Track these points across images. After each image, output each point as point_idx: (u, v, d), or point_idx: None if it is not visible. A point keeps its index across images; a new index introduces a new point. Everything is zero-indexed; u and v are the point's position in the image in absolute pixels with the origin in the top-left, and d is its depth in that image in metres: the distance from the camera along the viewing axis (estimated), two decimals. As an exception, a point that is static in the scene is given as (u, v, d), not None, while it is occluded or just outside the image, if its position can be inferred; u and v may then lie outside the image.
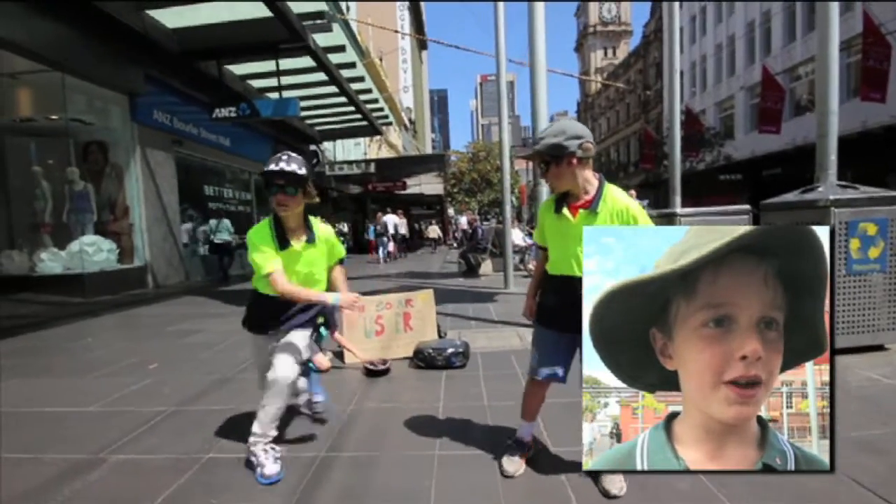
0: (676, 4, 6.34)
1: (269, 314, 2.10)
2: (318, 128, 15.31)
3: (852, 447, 2.02)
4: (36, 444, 2.37)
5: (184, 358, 3.99)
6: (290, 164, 1.94)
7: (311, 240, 2.05)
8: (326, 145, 20.19)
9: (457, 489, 1.88)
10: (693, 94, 28.80)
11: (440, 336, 4.01)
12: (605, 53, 55.87)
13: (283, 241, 2.01)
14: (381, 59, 28.30)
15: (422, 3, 46.68)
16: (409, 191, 23.74)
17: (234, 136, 11.60)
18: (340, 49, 9.89)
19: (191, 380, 3.34)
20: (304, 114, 12.01)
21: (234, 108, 8.78)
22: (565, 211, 1.77)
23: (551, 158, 1.75)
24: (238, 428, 2.49)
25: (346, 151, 24.02)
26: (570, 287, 1.74)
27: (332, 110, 13.13)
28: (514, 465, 1.92)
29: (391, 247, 15.08)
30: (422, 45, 51.67)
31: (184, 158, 10.10)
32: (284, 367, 1.99)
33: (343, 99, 11.78)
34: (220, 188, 12.27)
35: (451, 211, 41.84)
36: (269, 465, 1.97)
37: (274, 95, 10.29)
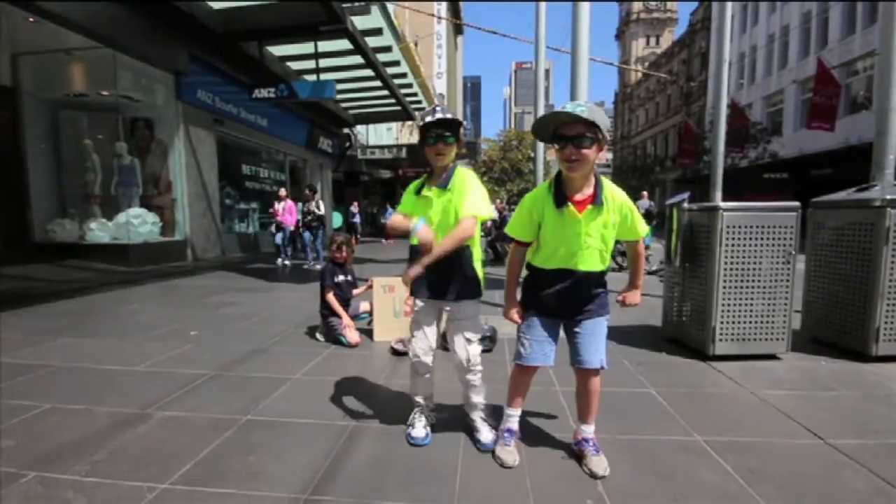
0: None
1: (430, 274, 1.91)
2: (352, 111, 15.45)
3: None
4: (88, 397, 2.54)
5: (221, 327, 4.16)
6: (446, 112, 1.93)
7: (443, 185, 1.95)
8: (359, 129, 20.37)
9: (483, 469, 1.91)
10: (740, 86, 27.46)
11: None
12: (648, 42, 53.76)
13: (419, 189, 2.01)
14: (416, 44, 28.13)
15: (459, -12, 45.98)
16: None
17: (271, 117, 11.85)
18: (377, 32, 9.90)
19: (228, 348, 3.49)
20: (339, 97, 12.14)
21: (273, 88, 8.94)
22: (571, 207, 1.74)
23: (592, 138, 1.67)
24: (274, 395, 2.60)
25: (377, 136, 24.16)
26: (571, 279, 1.81)
27: (366, 94, 13.19)
28: (512, 454, 1.94)
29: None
30: (458, 29, 51.01)
31: (223, 137, 10.40)
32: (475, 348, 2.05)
33: (378, 83, 11.81)
34: (257, 168, 12.61)
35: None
36: (485, 431, 2.08)
37: (311, 77, 10.41)
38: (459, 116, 1.96)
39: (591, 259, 1.79)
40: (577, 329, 1.88)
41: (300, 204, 9.36)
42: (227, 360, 3.19)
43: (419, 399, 2.20)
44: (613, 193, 1.78)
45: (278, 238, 9.41)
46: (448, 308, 2.02)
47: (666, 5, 52.76)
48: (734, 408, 2.48)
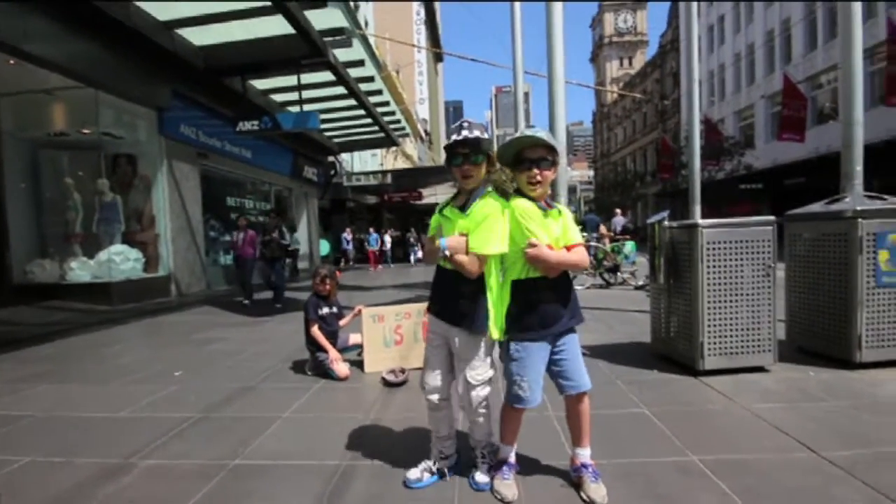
0: (695, 12, 6.33)
1: (437, 288, 1.95)
2: (336, 139, 15.58)
3: (886, 462, 1.98)
4: (68, 448, 2.44)
5: (207, 366, 4.07)
6: (473, 130, 1.81)
7: (462, 208, 1.88)
8: (344, 156, 20.52)
9: (481, 502, 1.88)
10: (711, 103, 28.47)
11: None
12: (621, 63, 55.71)
13: (443, 208, 1.97)
14: (398, 72, 28.71)
15: (437, 18, 47.37)
16: (424, 201, 23.87)
17: (255, 149, 11.89)
18: (359, 63, 10.09)
19: (215, 387, 3.41)
20: (322, 126, 12.25)
21: (257, 121, 8.99)
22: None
23: (552, 161, 1.84)
24: (263, 435, 2.53)
25: (363, 162, 24.34)
26: (550, 280, 1.83)
27: (350, 122, 13.35)
28: (511, 488, 1.90)
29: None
30: (437, 57, 52.29)
31: (207, 170, 10.36)
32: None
33: (361, 111, 11.99)
34: (242, 199, 12.56)
35: (466, 221, 41.82)
36: (480, 474, 2.00)
37: (295, 109, 10.52)
38: (479, 132, 1.80)
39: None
40: (560, 349, 1.86)
41: (262, 234, 8.12)
42: (214, 401, 3.11)
43: (440, 445, 2.05)
44: (562, 208, 1.94)
45: (245, 276, 8.15)
46: (455, 339, 1.89)
47: (636, 29, 54.97)
48: (727, 424, 2.49)
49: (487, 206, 1.84)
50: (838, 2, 4.05)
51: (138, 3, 7.05)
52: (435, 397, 1.97)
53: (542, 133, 1.80)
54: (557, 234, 1.84)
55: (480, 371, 1.90)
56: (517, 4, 7.52)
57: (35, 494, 2.02)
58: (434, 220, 2.01)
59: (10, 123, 7.97)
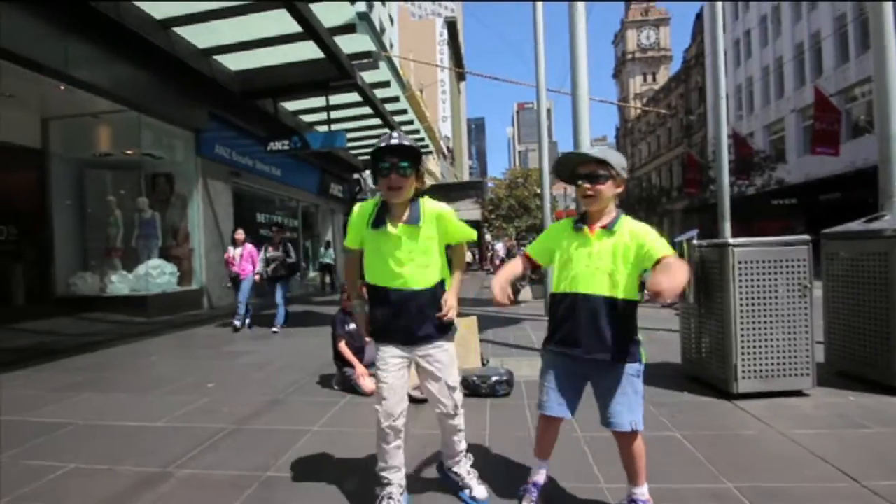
0: (720, 28, 6.30)
1: (392, 311, 1.83)
2: (361, 157, 15.94)
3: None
4: (110, 456, 2.55)
5: (238, 378, 4.18)
6: (402, 139, 1.76)
7: (413, 220, 1.79)
8: (368, 173, 20.91)
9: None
10: (739, 117, 27.90)
11: (483, 364, 4.01)
12: (645, 79, 55.35)
13: (378, 221, 1.80)
14: (421, 92, 29.30)
15: (460, 38, 48.26)
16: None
17: (284, 167, 12.26)
18: (385, 84, 10.37)
19: (246, 399, 3.49)
20: (348, 145, 12.57)
21: (287, 141, 9.31)
22: (585, 229, 1.79)
23: (605, 175, 1.76)
24: (293, 448, 2.58)
25: (386, 179, 24.70)
26: (577, 302, 1.75)
27: (375, 141, 13.57)
28: None
29: None
30: (460, 76, 53.15)
31: (239, 188, 10.72)
32: (460, 394, 1.96)
33: (386, 130, 12.27)
34: (271, 215, 12.90)
35: (488, 237, 41.93)
36: (476, 486, 1.99)
37: (322, 128, 10.85)
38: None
39: (600, 282, 1.72)
40: (598, 380, 1.80)
41: (263, 250, 7.10)
42: (246, 413, 3.19)
43: (390, 475, 1.87)
44: (630, 224, 1.77)
45: (241, 295, 7.04)
46: (423, 354, 1.86)
47: (660, 44, 54.67)
48: (764, 450, 2.41)
49: (439, 206, 1.86)
50: (869, 1, 3.96)
51: (179, 31, 7.48)
52: (402, 422, 1.85)
53: (595, 150, 1.80)
54: (601, 257, 1.73)
55: (455, 373, 1.95)
56: (540, 22, 7.65)
57: (80, 501, 2.11)
58: (356, 232, 1.85)
59: (59, 145, 8.49)
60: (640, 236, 1.73)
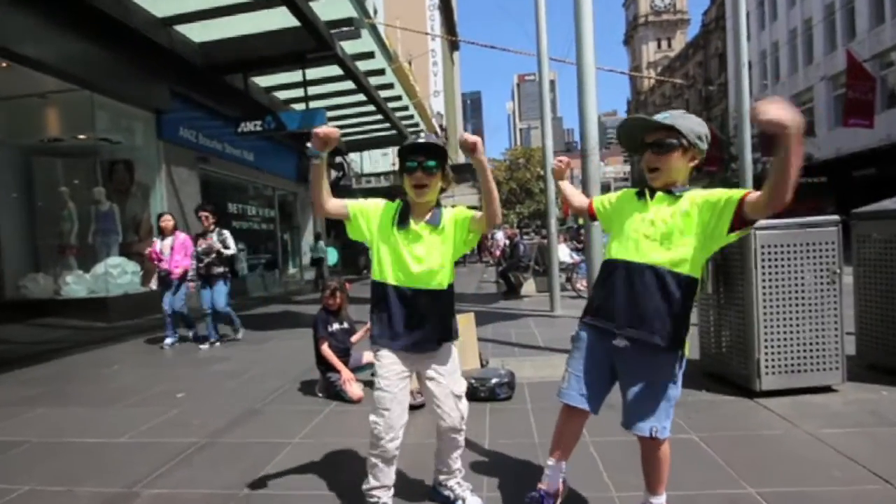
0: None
1: (395, 312, 1.90)
2: (344, 138, 15.83)
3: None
4: (70, 477, 2.55)
5: (210, 387, 4.18)
6: (430, 138, 1.90)
7: (434, 221, 1.92)
8: (353, 157, 20.79)
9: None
10: (764, 87, 27.91)
11: (482, 365, 4.03)
12: (659, 45, 55.18)
13: (402, 220, 1.91)
14: (410, 63, 29.04)
15: (453, 2, 47.82)
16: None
17: (258, 151, 12.17)
18: (369, 56, 10.28)
19: (219, 410, 3.50)
20: (330, 125, 12.46)
21: (260, 121, 9.23)
22: (647, 195, 1.77)
23: (675, 144, 1.69)
24: (272, 462, 2.60)
25: (373, 163, 24.62)
26: (625, 271, 1.71)
27: (359, 119, 13.57)
28: None
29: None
30: (453, 46, 52.72)
31: (207, 175, 10.63)
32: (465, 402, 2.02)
33: (371, 107, 12.18)
34: (244, 205, 12.84)
35: (487, 224, 41.87)
36: (470, 497, 2.04)
37: (300, 106, 10.76)
38: (437, 142, 1.89)
39: (649, 248, 1.67)
40: (625, 368, 1.73)
41: (202, 242, 6.05)
42: (219, 425, 3.19)
43: (380, 494, 1.90)
44: (697, 191, 1.73)
45: (165, 302, 6.09)
46: (427, 359, 1.93)
47: (675, 6, 54.41)
48: (789, 452, 2.44)
49: (458, 210, 1.97)
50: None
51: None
52: (400, 439, 1.90)
53: (665, 115, 1.75)
54: (656, 222, 1.69)
55: (461, 380, 2.01)
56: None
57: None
58: (383, 219, 1.94)
59: (2, 130, 8.37)
60: (708, 196, 1.66)
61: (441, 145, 1.90)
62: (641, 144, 1.78)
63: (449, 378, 1.95)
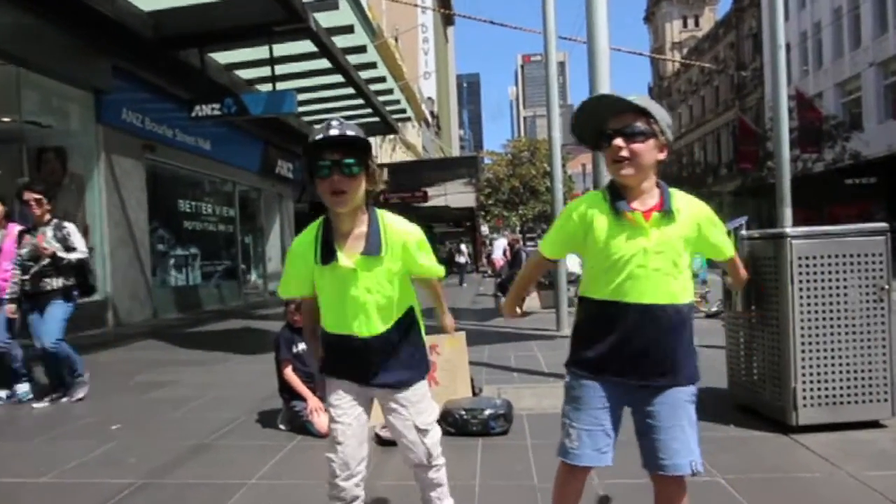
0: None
1: (357, 358, 1.87)
2: (318, 125, 15.81)
3: None
4: (-22, 523, 2.50)
5: (152, 417, 4.13)
6: (345, 128, 1.73)
7: (372, 249, 1.78)
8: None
9: None
10: (805, 73, 28.41)
11: (474, 393, 4.01)
12: (685, 24, 55.95)
13: (327, 252, 1.78)
14: (396, 40, 29.23)
15: (447, -31, 48.25)
16: (430, 203, 24.03)
17: (216, 139, 12.16)
18: (348, 30, 10.31)
19: (162, 445, 3.45)
20: (301, 109, 12.52)
21: (218, 104, 9.21)
22: (635, 214, 1.66)
23: (646, 132, 1.65)
24: (221, 508, 2.56)
25: (352, 154, 24.62)
26: (633, 317, 1.65)
27: (335, 104, 13.59)
28: None
29: None
30: (447, 20, 53.10)
31: (155, 166, 10.60)
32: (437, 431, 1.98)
33: (350, 90, 12.20)
34: (198, 202, 12.80)
35: (484, 228, 42.08)
36: None
37: (266, 88, 10.75)
38: (354, 132, 1.74)
39: (662, 287, 1.66)
40: (648, 409, 1.72)
41: (27, 242, 4.52)
42: (160, 463, 3.15)
43: None
44: (688, 202, 1.73)
45: None
46: (399, 394, 1.90)
47: (704, -21, 55.34)
48: (830, 498, 2.45)
49: (402, 231, 1.85)
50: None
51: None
52: (361, 476, 1.86)
53: (632, 96, 1.69)
54: (662, 252, 1.66)
55: (428, 409, 1.95)
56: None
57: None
58: (299, 274, 1.86)
59: (-88, 112, 8.28)
60: (704, 224, 1.72)
61: (361, 136, 1.74)
62: (603, 133, 1.70)
63: (413, 408, 1.89)
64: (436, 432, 1.96)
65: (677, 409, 1.70)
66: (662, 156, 1.70)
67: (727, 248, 1.82)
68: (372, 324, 1.81)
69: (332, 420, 1.87)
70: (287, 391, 3.70)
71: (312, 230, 1.85)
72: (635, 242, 1.66)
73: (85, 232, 8.96)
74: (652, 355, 1.67)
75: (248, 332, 8.83)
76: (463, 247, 23.33)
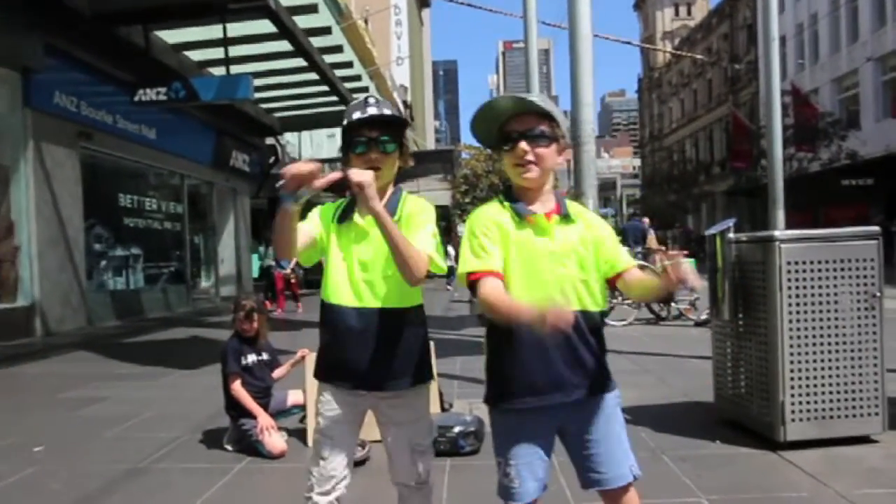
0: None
1: (351, 341, 1.86)
2: (278, 114, 15.71)
3: None
4: None
5: (81, 438, 4.03)
6: (383, 107, 1.85)
7: (389, 209, 1.84)
8: (289, 138, 20.62)
9: None
10: (801, 66, 29.24)
11: (443, 409, 4.02)
12: (677, 12, 57.14)
13: (346, 212, 1.90)
14: (366, 21, 29.13)
15: (423, -54, 48.37)
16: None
17: (162, 127, 11.95)
18: (311, 9, 10.25)
19: (91, 470, 3.37)
20: (259, 96, 12.38)
21: (165, 88, 9.07)
22: (539, 216, 1.72)
23: (550, 136, 1.72)
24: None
25: (315, 146, 24.49)
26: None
27: (297, 91, 13.49)
28: None
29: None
30: (423, 1, 53.18)
31: (92, 157, 10.37)
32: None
33: (314, 75, 12.11)
34: (142, 197, 12.57)
35: (461, 229, 42.14)
36: None
37: (219, 71, 10.60)
38: (391, 111, 1.87)
39: (573, 293, 1.71)
40: (582, 424, 1.77)
41: None
42: (88, 490, 3.07)
43: None
44: (580, 209, 1.85)
45: None
46: (384, 398, 1.88)
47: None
48: (816, 519, 2.50)
49: (423, 206, 1.92)
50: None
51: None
52: (340, 492, 1.87)
53: (534, 97, 1.77)
54: (567, 255, 1.73)
55: (426, 428, 1.96)
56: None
57: None
58: (324, 214, 1.94)
59: None
60: (599, 232, 1.78)
61: (398, 115, 1.89)
62: (504, 135, 1.76)
63: (413, 427, 1.90)
64: (431, 454, 1.98)
65: (611, 417, 1.77)
66: (562, 159, 1.80)
67: (622, 258, 1.79)
68: (376, 292, 1.83)
69: (318, 432, 1.89)
70: (235, 408, 3.63)
71: (336, 202, 1.97)
72: (542, 245, 1.71)
73: (9, 231, 8.73)
74: (578, 367, 1.70)
75: (195, 342, 8.67)
76: (451, 249, 23.22)
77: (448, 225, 31.10)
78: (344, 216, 1.89)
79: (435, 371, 4.03)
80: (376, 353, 1.83)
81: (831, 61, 26.99)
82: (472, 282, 1.70)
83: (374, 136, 1.82)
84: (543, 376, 1.71)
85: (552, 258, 1.69)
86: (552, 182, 1.81)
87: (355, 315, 1.82)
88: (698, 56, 36.35)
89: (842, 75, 26.27)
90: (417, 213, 1.89)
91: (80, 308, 9.67)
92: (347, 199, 1.94)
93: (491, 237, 1.71)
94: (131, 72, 9.66)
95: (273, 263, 13.54)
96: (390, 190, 1.92)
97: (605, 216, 2.00)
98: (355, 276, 1.84)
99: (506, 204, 1.76)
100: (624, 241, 10.99)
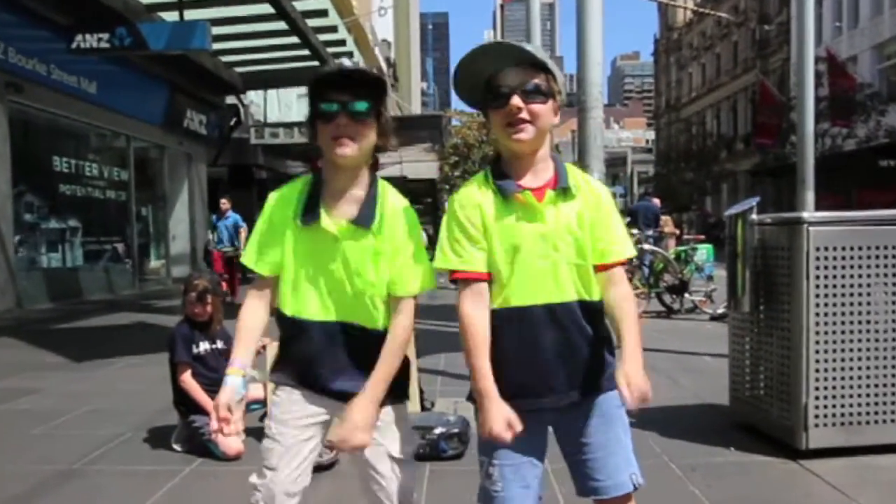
0: None
1: (316, 355, 1.82)
2: (240, 69, 15.52)
3: None
4: None
5: (6, 436, 4.02)
6: (359, 65, 1.83)
7: (363, 220, 1.78)
8: (253, 97, 20.39)
9: None
10: (838, 30, 29.31)
11: (423, 408, 4.04)
12: (701, -36, 56.79)
13: (309, 210, 1.78)
14: (344, -36, 28.73)
15: None
16: (382, 172, 23.64)
17: (104, 79, 11.79)
18: (280, -52, 10.10)
19: (16, 471, 3.36)
20: (217, 47, 12.21)
21: (108, 34, 8.95)
22: (526, 193, 1.67)
23: (546, 91, 1.66)
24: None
25: (283, 108, 24.24)
26: (546, 323, 1.68)
27: (263, 42, 13.32)
28: None
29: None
30: (410, -58, 52.48)
31: (22, 112, 10.23)
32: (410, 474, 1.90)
33: (282, 24, 11.95)
34: (80, 161, 12.44)
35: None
36: None
37: (172, 17, 10.43)
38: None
39: (567, 279, 1.69)
40: (578, 426, 1.77)
41: None
42: (13, 494, 3.06)
43: None
44: (586, 179, 1.78)
45: None
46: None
47: None
48: (839, 535, 2.54)
49: (403, 211, 1.83)
50: None
51: None
52: None
53: (527, 45, 1.71)
54: (562, 237, 1.69)
55: (409, 440, 1.93)
56: None
57: None
58: (275, 231, 1.83)
59: None
60: (596, 213, 1.71)
61: (375, 74, 1.78)
62: (493, 90, 1.69)
63: (387, 432, 1.84)
64: (413, 468, 1.93)
65: (611, 419, 1.76)
66: (556, 120, 1.74)
67: (622, 246, 1.75)
68: (346, 308, 1.78)
69: (267, 436, 1.82)
70: (185, 403, 3.64)
71: (298, 184, 1.86)
72: (530, 229, 1.67)
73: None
74: (574, 365, 1.70)
75: (141, 327, 8.63)
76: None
77: (434, 201, 31.06)
78: (309, 216, 1.78)
79: (416, 366, 4.07)
80: (341, 365, 1.79)
81: (872, 25, 27.07)
82: (454, 280, 1.73)
83: (346, 100, 1.70)
84: (534, 377, 1.71)
85: (543, 240, 1.66)
86: (548, 147, 1.75)
87: (324, 329, 1.78)
88: (723, 15, 36.29)
89: (883, 41, 26.37)
90: (400, 223, 1.81)
91: (7, 288, 9.60)
92: (311, 185, 1.84)
93: (475, 225, 1.68)
94: (69, 14, 9.49)
95: (210, 238, 12.81)
96: (365, 178, 1.81)
97: (612, 196, 1.92)
98: (322, 289, 1.78)
99: (490, 181, 1.71)
100: (634, 224, 11.06)
